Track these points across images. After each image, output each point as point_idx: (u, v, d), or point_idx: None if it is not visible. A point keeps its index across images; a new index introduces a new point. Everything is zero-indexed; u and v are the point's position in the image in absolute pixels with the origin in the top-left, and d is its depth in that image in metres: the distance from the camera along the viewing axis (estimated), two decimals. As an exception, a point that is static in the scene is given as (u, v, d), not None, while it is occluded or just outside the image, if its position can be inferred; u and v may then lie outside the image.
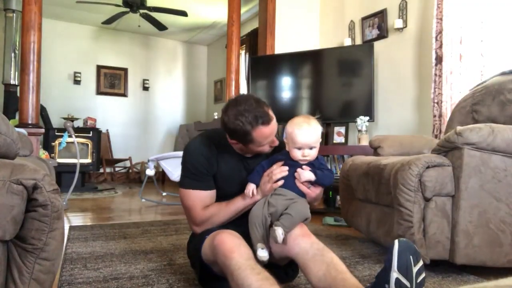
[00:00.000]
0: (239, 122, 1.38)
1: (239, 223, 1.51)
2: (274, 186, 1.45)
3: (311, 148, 1.44)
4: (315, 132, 1.45)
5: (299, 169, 1.45)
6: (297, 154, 1.45)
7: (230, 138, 1.48)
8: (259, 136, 1.41)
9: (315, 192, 1.48)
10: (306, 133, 1.42)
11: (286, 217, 1.36)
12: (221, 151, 1.54)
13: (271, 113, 1.43)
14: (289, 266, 1.56)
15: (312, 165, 1.47)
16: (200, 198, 1.53)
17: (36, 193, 1.05)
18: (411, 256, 1.12)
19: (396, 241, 1.14)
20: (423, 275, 1.13)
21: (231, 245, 1.27)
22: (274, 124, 1.44)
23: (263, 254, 1.34)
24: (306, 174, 1.44)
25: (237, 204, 1.50)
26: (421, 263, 1.14)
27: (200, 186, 1.53)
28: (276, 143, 1.50)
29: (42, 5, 3.70)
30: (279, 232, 1.31)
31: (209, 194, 1.55)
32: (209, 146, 1.54)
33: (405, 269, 1.10)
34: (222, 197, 1.56)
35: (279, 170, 1.45)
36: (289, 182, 1.45)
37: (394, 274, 1.10)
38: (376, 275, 1.20)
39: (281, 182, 1.44)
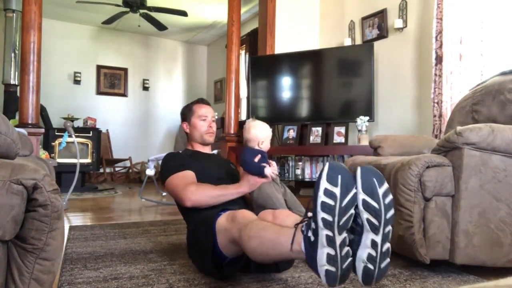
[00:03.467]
0: (187, 104, 2.11)
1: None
2: (264, 181, 1.71)
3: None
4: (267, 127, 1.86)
5: (273, 163, 1.78)
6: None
7: (183, 124, 2.05)
8: (197, 108, 2.01)
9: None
10: (262, 128, 1.83)
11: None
12: (192, 156, 1.96)
13: (209, 105, 2.08)
14: None
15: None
16: (186, 175, 1.78)
17: (36, 193, 1.05)
18: (374, 179, 1.11)
19: (359, 167, 1.14)
20: (390, 197, 1.13)
21: (253, 215, 1.48)
22: (210, 108, 2.05)
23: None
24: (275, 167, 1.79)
25: (228, 189, 1.73)
26: (386, 186, 1.13)
27: (184, 168, 1.81)
28: (214, 128, 2.01)
29: (42, 5, 3.70)
30: None
31: (192, 174, 1.79)
32: (179, 152, 2.01)
33: (370, 190, 1.10)
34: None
35: (273, 169, 1.74)
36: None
37: (361, 196, 1.10)
38: None
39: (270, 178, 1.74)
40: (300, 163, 4.33)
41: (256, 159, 1.73)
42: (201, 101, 2.08)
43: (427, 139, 2.59)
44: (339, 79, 4.24)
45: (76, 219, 3.21)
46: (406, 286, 1.56)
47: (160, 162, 4.44)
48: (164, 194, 4.99)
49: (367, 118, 3.74)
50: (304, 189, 4.49)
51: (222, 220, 1.52)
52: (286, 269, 1.69)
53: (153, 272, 1.71)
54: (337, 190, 1.07)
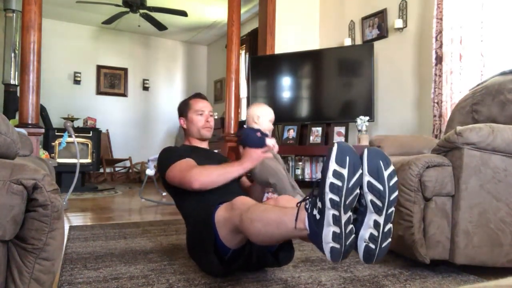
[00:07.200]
0: (184, 99, 2.09)
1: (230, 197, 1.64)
2: (266, 156, 1.76)
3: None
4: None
5: (273, 139, 1.91)
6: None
7: (180, 120, 2.03)
8: (194, 103, 1.99)
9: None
10: (257, 106, 2.08)
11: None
12: (190, 150, 1.94)
13: (206, 99, 2.05)
14: (280, 249, 1.60)
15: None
16: (189, 161, 1.76)
17: (36, 193, 1.05)
18: (381, 161, 1.13)
19: (366, 149, 1.15)
20: (395, 179, 1.15)
21: (252, 201, 1.49)
22: (207, 102, 2.02)
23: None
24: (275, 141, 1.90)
25: (233, 166, 1.74)
26: (391, 168, 1.14)
27: (185, 157, 1.79)
28: (211, 122, 1.98)
29: (42, 5, 3.70)
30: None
31: (194, 161, 1.76)
32: (177, 147, 2.05)
33: (376, 172, 1.11)
34: None
35: (273, 142, 1.91)
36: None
37: (366, 178, 1.11)
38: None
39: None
40: (300, 163, 4.33)
41: (257, 134, 1.86)
42: (198, 95, 2.06)
43: (427, 139, 2.59)
44: (339, 79, 4.24)
45: (76, 219, 3.21)
46: (406, 286, 1.56)
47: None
48: (164, 194, 4.99)
49: (367, 118, 3.74)
50: (304, 189, 4.49)
51: (221, 211, 1.51)
52: (286, 264, 1.68)
53: (153, 272, 1.71)
54: (345, 172, 1.09)
